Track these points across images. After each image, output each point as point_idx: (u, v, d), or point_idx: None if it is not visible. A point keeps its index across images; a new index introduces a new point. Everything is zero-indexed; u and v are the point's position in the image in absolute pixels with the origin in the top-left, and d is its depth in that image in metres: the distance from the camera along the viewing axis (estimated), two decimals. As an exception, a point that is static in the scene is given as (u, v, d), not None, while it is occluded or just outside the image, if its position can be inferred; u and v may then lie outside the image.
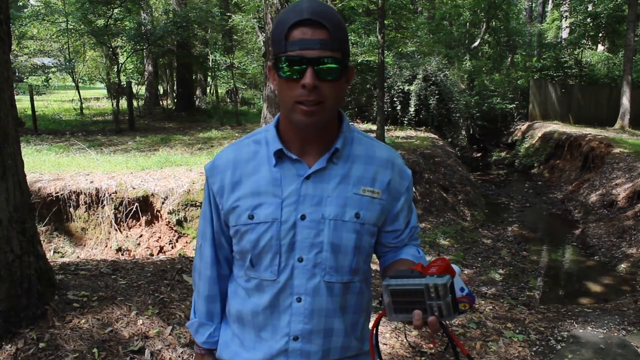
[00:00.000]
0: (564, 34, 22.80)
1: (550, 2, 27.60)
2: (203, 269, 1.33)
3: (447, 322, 1.06)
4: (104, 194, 6.04)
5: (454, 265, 1.07)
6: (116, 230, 6.03)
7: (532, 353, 3.67)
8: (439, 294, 0.98)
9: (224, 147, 1.30)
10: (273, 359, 1.22)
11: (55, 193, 5.97)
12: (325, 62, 1.07)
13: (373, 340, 1.19)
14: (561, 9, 23.09)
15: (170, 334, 2.83)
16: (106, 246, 5.97)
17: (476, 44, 20.91)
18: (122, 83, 13.59)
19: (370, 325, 1.27)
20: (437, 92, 13.30)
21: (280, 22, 1.10)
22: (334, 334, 1.23)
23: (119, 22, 13.07)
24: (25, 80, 18.57)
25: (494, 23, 20.74)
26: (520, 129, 16.98)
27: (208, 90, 20.94)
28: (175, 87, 18.93)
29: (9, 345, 2.48)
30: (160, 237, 6.10)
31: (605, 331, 4.13)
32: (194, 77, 18.33)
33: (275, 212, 1.16)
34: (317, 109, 1.09)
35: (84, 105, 17.16)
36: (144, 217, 6.14)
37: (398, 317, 1.04)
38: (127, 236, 6.04)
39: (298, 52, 1.06)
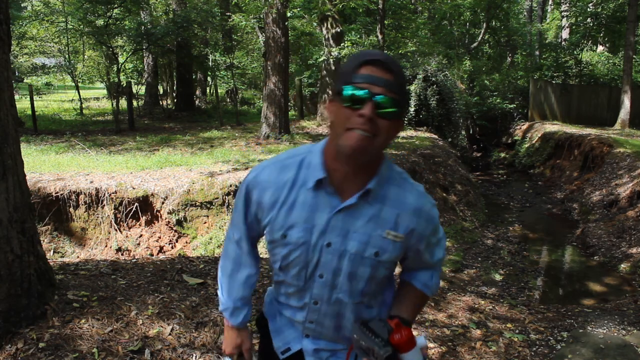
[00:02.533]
0: (564, 34, 22.80)
1: (550, 2, 27.59)
2: (244, 259, 1.49)
3: None
4: (104, 194, 6.04)
5: (420, 339, 1.26)
6: (116, 230, 6.03)
7: (532, 353, 3.67)
8: (377, 358, 1.22)
9: (267, 160, 1.39)
10: (294, 321, 1.45)
11: (55, 193, 5.97)
12: (386, 100, 1.17)
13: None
14: (561, 9, 23.07)
15: (170, 334, 2.82)
16: (106, 246, 5.97)
17: (476, 44, 20.90)
18: (122, 83, 13.59)
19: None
20: (437, 92, 13.30)
21: (351, 60, 1.23)
22: (343, 327, 1.42)
23: (118, 22, 13.06)
24: (25, 80, 18.56)
25: (494, 23, 20.73)
26: (521, 128, 16.97)
27: (208, 90, 20.93)
28: (175, 87, 18.93)
29: (9, 345, 2.48)
30: (160, 237, 6.10)
31: (605, 331, 4.13)
32: (194, 77, 18.33)
33: (306, 236, 1.30)
34: (367, 140, 1.18)
35: (83, 105, 17.16)
36: (144, 217, 6.14)
37: (358, 352, 1.32)
38: (127, 236, 6.04)
39: (364, 84, 1.17)
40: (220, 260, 1.55)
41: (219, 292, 1.55)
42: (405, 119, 13.41)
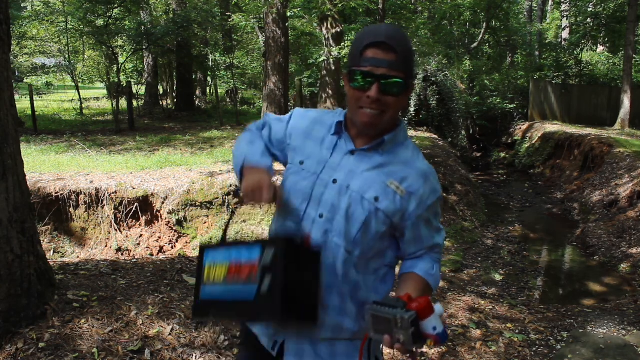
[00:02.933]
0: (564, 34, 22.79)
1: (550, 2, 27.58)
2: (255, 129, 1.58)
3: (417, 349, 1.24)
4: (104, 194, 6.04)
5: (437, 306, 1.22)
6: (116, 230, 6.03)
7: (532, 353, 3.67)
8: (402, 325, 1.16)
9: (314, 109, 1.60)
10: None
11: (55, 193, 5.97)
12: (390, 80, 1.29)
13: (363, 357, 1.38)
14: (561, 9, 23.07)
15: (170, 334, 2.82)
16: (106, 246, 5.97)
17: (476, 44, 20.90)
18: (122, 83, 13.58)
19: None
20: (437, 92, 13.29)
21: (358, 39, 1.34)
22: (336, 293, 1.38)
23: (118, 22, 13.06)
24: (25, 80, 18.56)
25: (494, 23, 20.72)
26: (521, 128, 16.97)
27: (208, 90, 20.93)
28: (175, 87, 18.92)
29: (9, 345, 2.48)
30: (160, 237, 6.10)
31: (605, 331, 4.13)
32: (194, 77, 18.32)
33: (318, 168, 1.40)
34: (377, 116, 1.33)
35: (83, 105, 17.15)
36: (144, 217, 6.14)
37: (375, 336, 1.23)
38: (127, 236, 6.04)
39: (369, 68, 1.28)
40: (238, 140, 1.58)
41: (235, 158, 1.51)
42: (406, 119, 13.42)
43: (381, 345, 1.53)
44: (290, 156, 1.48)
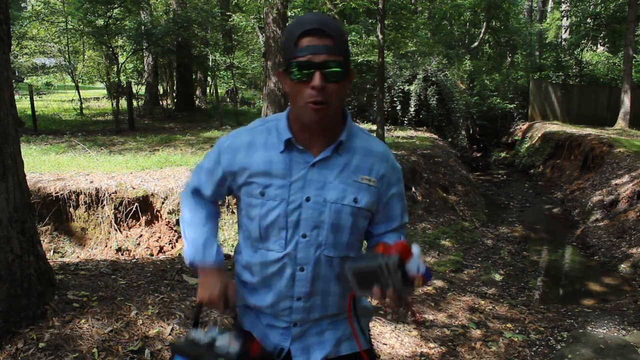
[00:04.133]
0: (565, 34, 22.79)
1: (550, 2, 27.58)
2: (197, 203, 1.49)
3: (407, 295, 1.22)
4: (104, 194, 6.04)
5: (414, 247, 1.22)
6: (116, 230, 6.03)
7: (532, 353, 3.67)
8: (390, 271, 1.16)
9: (240, 129, 1.45)
10: (279, 313, 1.40)
11: (55, 193, 5.97)
12: (331, 66, 1.23)
13: (351, 312, 1.39)
14: (561, 9, 23.08)
15: (170, 334, 2.82)
16: (106, 246, 5.97)
17: (476, 44, 20.90)
18: (122, 83, 13.58)
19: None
20: (437, 92, 13.29)
21: (289, 32, 1.26)
22: (330, 294, 1.40)
23: (118, 22, 13.06)
24: (25, 80, 18.57)
25: (494, 23, 20.73)
26: (521, 128, 16.97)
27: (208, 90, 20.92)
28: (175, 87, 18.92)
29: (9, 345, 2.48)
30: (160, 237, 6.10)
31: (605, 331, 4.13)
32: (194, 77, 18.32)
33: (284, 193, 1.32)
34: (324, 108, 1.25)
35: (83, 105, 17.15)
36: (144, 217, 6.14)
37: (363, 293, 1.23)
38: (127, 236, 6.04)
39: (307, 57, 1.22)
40: (180, 214, 1.53)
41: (184, 247, 1.48)
42: (406, 119, 13.42)
43: (369, 320, 1.57)
44: (244, 191, 1.38)
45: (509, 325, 4.14)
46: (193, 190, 1.51)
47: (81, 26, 13.02)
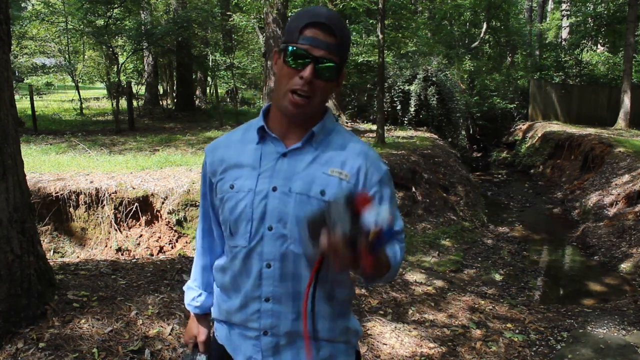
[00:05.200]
0: (564, 34, 22.79)
1: (550, 2, 27.59)
2: (198, 239, 1.50)
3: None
4: (104, 194, 6.04)
5: (382, 206, 1.07)
6: (116, 230, 6.03)
7: (532, 353, 3.67)
8: (337, 211, 1.05)
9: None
10: (248, 319, 1.33)
11: (55, 193, 5.97)
12: (326, 62, 1.22)
13: (308, 301, 1.24)
14: (561, 9, 23.08)
15: (170, 334, 2.82)
16: (106, 246, 5.97)
17: (476, 44, 20.90)
18: (122, 83, 13.58)
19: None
20: (437, 92, 13.29)
21: (298, 16, 1.24)
22: (302, 300, 1.28)
23: (119, 22, 13.06)
24: (25, 80, 18.57)
25: (494, 23, 20.74)
26: (521, 128, 16.97)
27: (208, 90, 20.93)
28: (175, 87, 18.92)
29: (9, 345, 2.48)
30: (160, 237, 6.10)
31: (605, 331, 4.13)
32: (194, 77, 18.32)
33: (252, 184, 1.29)
34: (305, 102, 1.23)
35: (83, 105, 17.15)
36: (144, 217, 6.14)
37: (315, 245, 1.11)
38: (127, 236, 6.04)
39: (307, 46, 1.21)
40: None
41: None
42: (406, 119, 13.42)
43: (352, 350, 1.42)
44: (218, 188, 1.35)
45: (509, 325, 4.14)
46: (201, 228, 1.49)
47: (81, 26, 13.03)
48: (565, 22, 22.35)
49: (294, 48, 1.21)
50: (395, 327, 3.65)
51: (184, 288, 1.54)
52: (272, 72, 9.99)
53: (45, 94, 18.61)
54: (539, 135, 14.77)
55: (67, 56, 17.29)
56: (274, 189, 1.27)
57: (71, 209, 6.04)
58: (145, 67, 17.83)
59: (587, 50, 20.79)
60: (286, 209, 1.26)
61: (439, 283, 5.00)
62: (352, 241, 1.04)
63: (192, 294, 1.51)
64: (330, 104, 11.00)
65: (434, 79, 13.36)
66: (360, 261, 1.06)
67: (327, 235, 1.07)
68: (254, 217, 1.28)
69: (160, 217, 6.11)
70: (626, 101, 14.87)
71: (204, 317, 1.53)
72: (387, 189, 1.34)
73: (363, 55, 12.90)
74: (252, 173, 1.29)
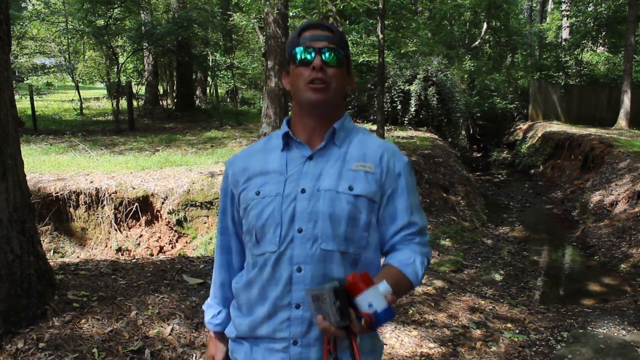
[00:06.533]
0: (565, 34, 22.79)
1: (550, 2, 27.59)
2: (216, 255, 1.49)
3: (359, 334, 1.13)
4: (104, 194, 6.04)
5: (381, 284, 1.13)
6: (116, 230, 6.03)
7: (532, 353, 3.67)
8: (326, 299, 1.08)
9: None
10: (277, 329, 1.29)
11: (55, 193, 5.97)
12: (329, 50, 1.30)
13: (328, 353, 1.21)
14: (561, 9, 23.08)
15: (170, 334, 2.82)
16: (106, 246, 5.97)
17: (476, 44, 20.90)
18: (122, 83, 13.58)
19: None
20: (437, 92, 13.29)
21: (293, 33, 1.36)
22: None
23: (119, 22, 13.06)
24: (25, 80, 18.58)
25: (494, 23, 20.74)
26: (521, 128, 16.98)
27: (208, 90, 20.93)
28: (175, 87, 18.92)
29: (9, 345, 2.48)
30: (160, 237, 6.10)
31: (605, 331, 4.13)
32: (194, 77, 18.32)
33: (279, 188, 1.30)
34: (324, 88, 1.29)
35: (84, 105, 17.15)
36: (144, 217, 6.14)
37: (316, 318, 1.14)
38: (127, 236, 6.04)
39: (309, 42, 1.31)
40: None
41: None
42: (406, 119, 13.42)
43: None
44: (242, 198, 1.35)
45: (509, 325, 4.14)
46: (220, 245, 1.48)
47: (81, 26, 13.02)
48: (566, 22, 22.35)
49: (299, 47, 1.31)
50: (395, 327, 3.65)
51: (204, 307, 1.54)
52: (272, 71, 9.96)
53: (45, 94, 18.60)
54: (539, 135, 14.77)
55: (67, 56, 17.29)
56: (303, 191, 1.28)
57: (71, 209, 6.04)
58: (145, 67, 17.82)
59: (587, 51, 20.79)
60: (316, 208, 1.27)
61: (439, 283, 5.00)
62: (344, 326, 1.09)
63: (212, 312, 1.50)
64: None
65: (434, 79, 13.36)
66: (351, 340, 1.12)
67: (321, 320, 1.12)
68: (283, 221, 1.27)
69: (160, 217, 6.11)
70: (626, 101, 14.87)
71: (222, 335, 1.49)
72: (409, 178, 1.37)
73: (363, 55, 12.90)
74: (279, 178, 1.31)
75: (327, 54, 1.30)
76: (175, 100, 18.04)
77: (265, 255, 1.29)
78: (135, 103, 15.43)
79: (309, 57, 1.30)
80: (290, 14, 10.73)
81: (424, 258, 1.36)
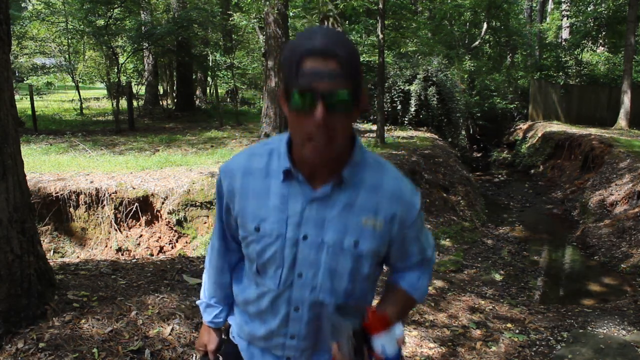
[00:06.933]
0: (565, 34, 22.79)
1: (550, 2, 27.59)
2: (213, 257, 1.46)
3: None
4: (104, 194, 6.04)
5: (397, 328, 1.19)
6: (116, 230, 6.03)
7: (532, 353, 3.67)
8: (343, 334, 1.16)
9: (241, 151, 1.35)
10: (271, 346, 1.34)
11: (55, 193, 5.97)
12: (336, 95, 1.05)
13: None
14: (561, 9, 23.08)
15: (170, 334, 2.83)
16: (106, 246, 5.97)
17: (476, 44, 20.90)
18: (122, 83, 13.59)
19: None
20: (437, 92, 13.30)
21: (292, 49, 1.08)
22: (324, 332, 1.31)
23: (119, 22, 13.06)
24: (26, 80, 18.58)
25: (494, 23, 20.74)
26: (521, 128, 16.98)
27: (208, 90, 20.93)
28: (175, 87, 18.92)
29: (9, 345, 2.48)
30: (160, 237, 6.10)
31: (605, 331, 4.13)
32: (194, 76, 18.32)
33: (280, 229, 1.22)
34: (327, 146, 1.09)
35: (84, 105, 17.16)
36: (144, 217, 6.14)
37: (332, 343, 1.22)
38: (127, 236, 6.04)
39: (309, 82, 1.05)
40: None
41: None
42: (406, 119, 13.42)
43: None
44: (240, 222, 1.28)
45: (509, 325, 4.14)
46: (217, 248, 1.45)
47: (81, 26, 13.03)
48: (565, 22, 22.35)
49: (297, 91, 1.06)
50: (395, 327, 3.64)
51: (200, 305, 1.52)
52: (272, 71, 9.95)
53: (45, 94, 18.62)
54: (539, 135, 14.77)
55: (67, 56, 17.29)
56: (305, 238, 1.21)
57: (71, 209, 6.04)
58: (145, 67, 17.83)
59: (587, 51, 20.79)
60: (318, 261, 1.22)
61: (439, 283, 5.00)
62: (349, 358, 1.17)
63: (214, 311, 1.49)
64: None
65: (434, 79, 13.36)
66: None
67: (337, 348, 1.17)
68: (285, 265, 1.23)
69: (161, 217, 6.11)
70: (626, 101, 14.87)
71: (219, 328, 1.53)
72: (420, 223, 1.31)
73: (363, 55, 12.91)
74: (280, 216, 1.21)
75: (332, 101, 1.05)
76: (175, 100, 18.04)
77: (265, 288, 1.29)
78: (135, 103, 15.43)
79: (307, 105, 1.06)
80: (290, 14, 10.74)
81: (430, 275, 1.41)
